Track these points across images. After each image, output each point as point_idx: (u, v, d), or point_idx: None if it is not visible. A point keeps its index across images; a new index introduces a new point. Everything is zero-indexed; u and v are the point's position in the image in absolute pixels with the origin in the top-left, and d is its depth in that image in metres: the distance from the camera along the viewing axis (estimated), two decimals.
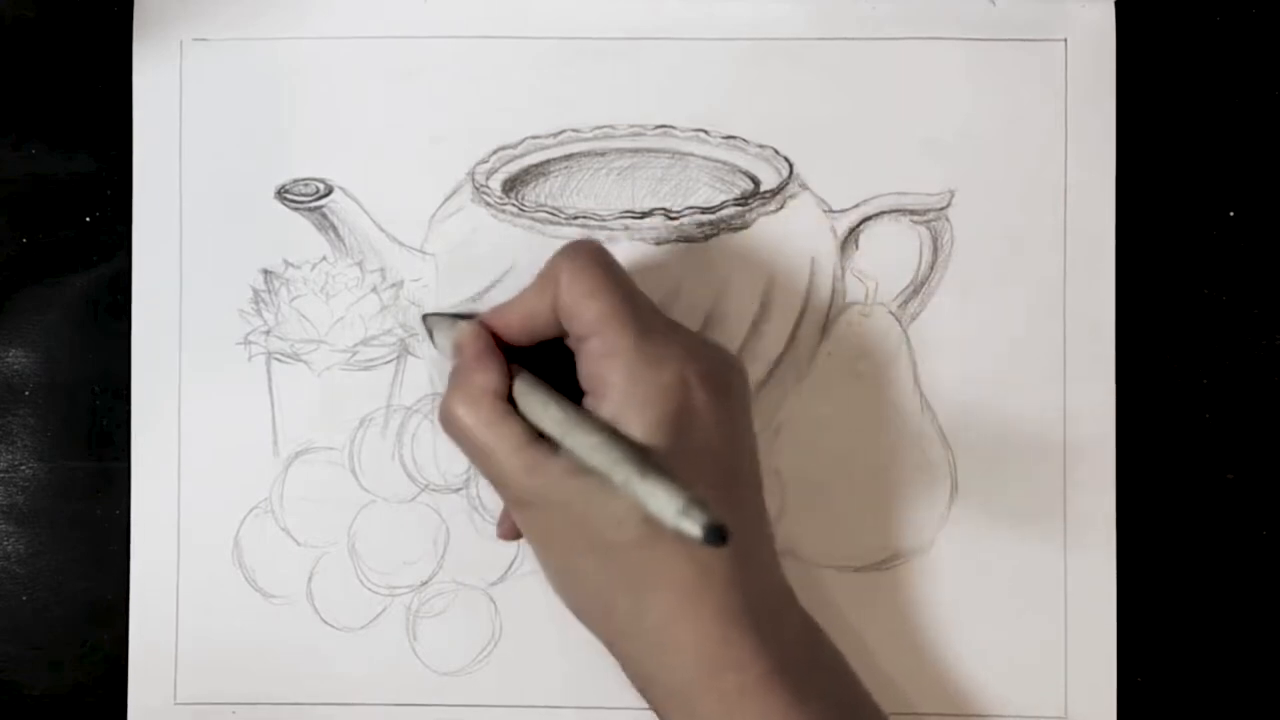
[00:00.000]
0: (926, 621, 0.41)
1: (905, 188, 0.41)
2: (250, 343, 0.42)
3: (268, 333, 0.41)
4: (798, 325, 0.41)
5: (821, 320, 0.42)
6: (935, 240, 0.41)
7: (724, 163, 0.42)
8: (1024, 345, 0.41)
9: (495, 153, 0.42)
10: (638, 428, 0.33)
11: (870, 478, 0.41)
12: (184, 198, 0.42)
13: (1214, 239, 0.42)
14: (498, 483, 0.35)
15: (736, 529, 0.30)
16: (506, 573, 0.41)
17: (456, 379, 0.35)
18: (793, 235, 0.41)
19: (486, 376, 0.35)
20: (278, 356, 0.41)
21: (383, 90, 0.42)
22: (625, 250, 0.41)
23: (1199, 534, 0.41)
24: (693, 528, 0.29)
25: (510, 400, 0.35)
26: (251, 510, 0.41)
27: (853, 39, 0.42)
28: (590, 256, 0.35)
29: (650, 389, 0.33)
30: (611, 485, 0.32)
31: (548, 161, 0.42)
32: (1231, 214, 0.42)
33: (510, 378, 0.35)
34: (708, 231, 0.41)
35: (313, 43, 0.42)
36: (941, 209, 0.41)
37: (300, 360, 0.41)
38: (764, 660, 0.33)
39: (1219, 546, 0.42)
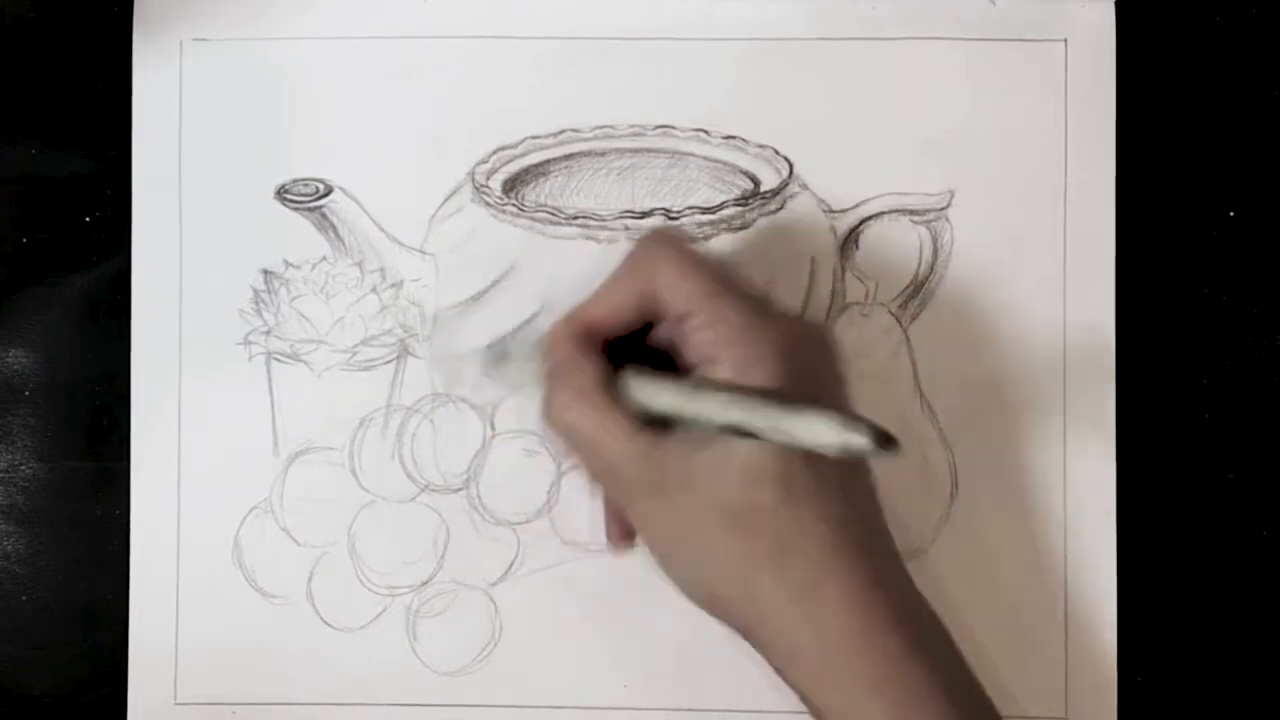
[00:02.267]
0: None
1: (905, 188, 0.41)
2: (250, 343, 0.42)
3: (268, 333, 0.41)
4: None
5: (821, 320, 0.41)
6: (935, 240, 0.41)
7: (724, 163, 0.42)
8: (1024, 345, 0.41)
9: (495, 153, 0.42)
10: (761, 377, 0.33)
11: None
12: (184, 198, 0.42)
13: (1214, 239, 0.42)
14: (611, 478, 0.35)
15: (862, 481, 0.31)
16: (506, 573, 0.41)
17: (556, 379, 0.35)
18: (793, 235, 0.41)
19: (588, 371, 0.34)
20: (278, 356, 0.41)
21: (383, 90, 0.42)
22: (626, 250, 0.41)
23: (1199, 534, 0.41)
24: (860, 439, 0.29)
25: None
26: (251, 510, 0.41)
27: (853, 39, 0.42)
28: (680, 239, 0.35)
29: (765, 346, 0.33)
30: (737, 447, 0.32)
31: (548, 161, 0.42)
32: (1231, 214, 0.42)
33: (611, 370, 0.35)
34: (708, 231, 0.41)
35: (313, 43, 0.42)
36: (941, 209, 0.41)
37: (300, 360, 0.41)
38: (906, 627, 0.33)
39: (1219, 546, 0.42)
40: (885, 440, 0.29)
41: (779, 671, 0.35)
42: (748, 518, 0.33)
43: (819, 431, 0.30)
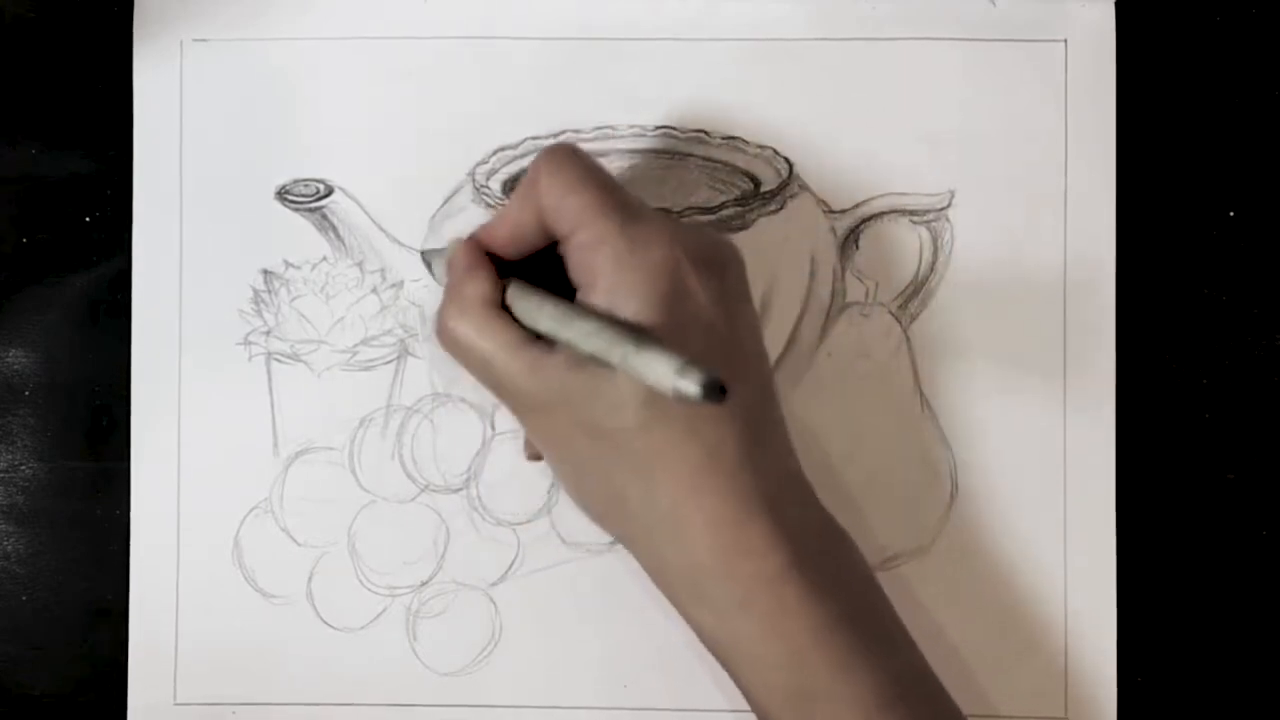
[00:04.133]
0: (926, 622, 0.41)
1: (905, 188, 0.41)
2: (250, 343, 0.42)
3: (268, 333, 0.41)
4: (798, 325, 0.41)
5: (821, 320, 0.42)
6: (935, 240, 0.41)
7: (724, 163, 0.42)
8: (1024, 345, 0.41)
9: (495, 153, 0.42)
10: (631, 309, 0.33)
11: (870, 478, 0.41)
12: (184, 198, 0.42)
13: (1214, 239, 0.42)
14: (500, 390, 0.35)
15: (741, 404, 0.30)
16: (506, 573, 0.41)
17: (449, 293, 0.36)
18: (793, 235, 0.41)
19: (476, 285, 0.35)
20: (278, 357, 0.42)
21: (383, 90, 0.42)
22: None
23: (1199, 534, 0.41)
24: (690, 386, 0.29)
25: (504, 308, 0.35)
26: (251, 510, 0.41)
27: (853, 39, 0.42)
28: (566, 155, 0.35)
29: (639, 272, 0.33)
30: (610, 370, 0.32)
31: None
32: (1231, 214, 0.42)
33: (502, 287, 0.35)
34: None
35: (313, 43, 0.42)
36: (941, 209, 0.41)
37: (300, 360, 0.41)
38: (782, 551, 0.33)
39: (1219, 546, 0.42)
40: (714, 391, 0.29)
41: (653, 580, 0.36)
42: (615, 438, 0.33)
43: (658, 374, 0.30)
